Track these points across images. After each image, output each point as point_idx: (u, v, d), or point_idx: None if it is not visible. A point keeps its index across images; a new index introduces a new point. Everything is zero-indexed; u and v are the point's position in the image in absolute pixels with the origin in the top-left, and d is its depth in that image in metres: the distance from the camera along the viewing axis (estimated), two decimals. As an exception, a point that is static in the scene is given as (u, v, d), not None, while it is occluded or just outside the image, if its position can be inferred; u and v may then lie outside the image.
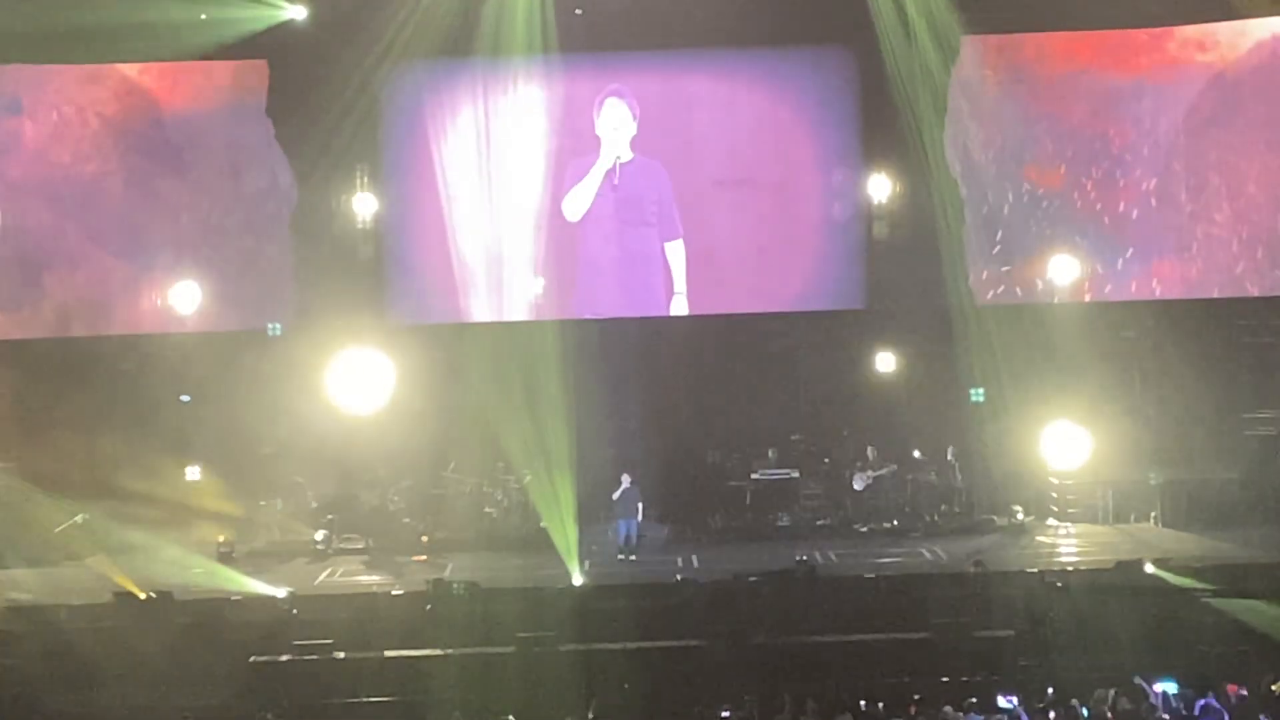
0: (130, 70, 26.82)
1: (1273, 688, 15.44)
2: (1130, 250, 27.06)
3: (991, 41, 26.91)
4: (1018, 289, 27.22)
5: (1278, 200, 26.55)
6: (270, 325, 26.79)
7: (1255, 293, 26.65)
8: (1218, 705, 14.45)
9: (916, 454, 26.04)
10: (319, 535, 25.12)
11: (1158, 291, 26.95)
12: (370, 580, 23.25)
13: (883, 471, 25.81)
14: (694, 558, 24.10)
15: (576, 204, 27.17)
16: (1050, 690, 16.33)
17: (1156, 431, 25.65)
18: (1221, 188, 26.76)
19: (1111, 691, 15.79)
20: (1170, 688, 15.66)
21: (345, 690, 19.47)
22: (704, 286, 27.25)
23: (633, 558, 23.96)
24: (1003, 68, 27.06)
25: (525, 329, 26.69)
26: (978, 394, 26.06)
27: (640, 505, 24.34)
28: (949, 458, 26.20)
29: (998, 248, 27.21)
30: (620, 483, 24.44)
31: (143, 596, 21.29)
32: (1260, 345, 26.04)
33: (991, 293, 27.21)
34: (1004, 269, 27.18)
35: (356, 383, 24.99)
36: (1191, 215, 26.89)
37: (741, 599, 21.09)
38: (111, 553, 23.51)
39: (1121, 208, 27.06)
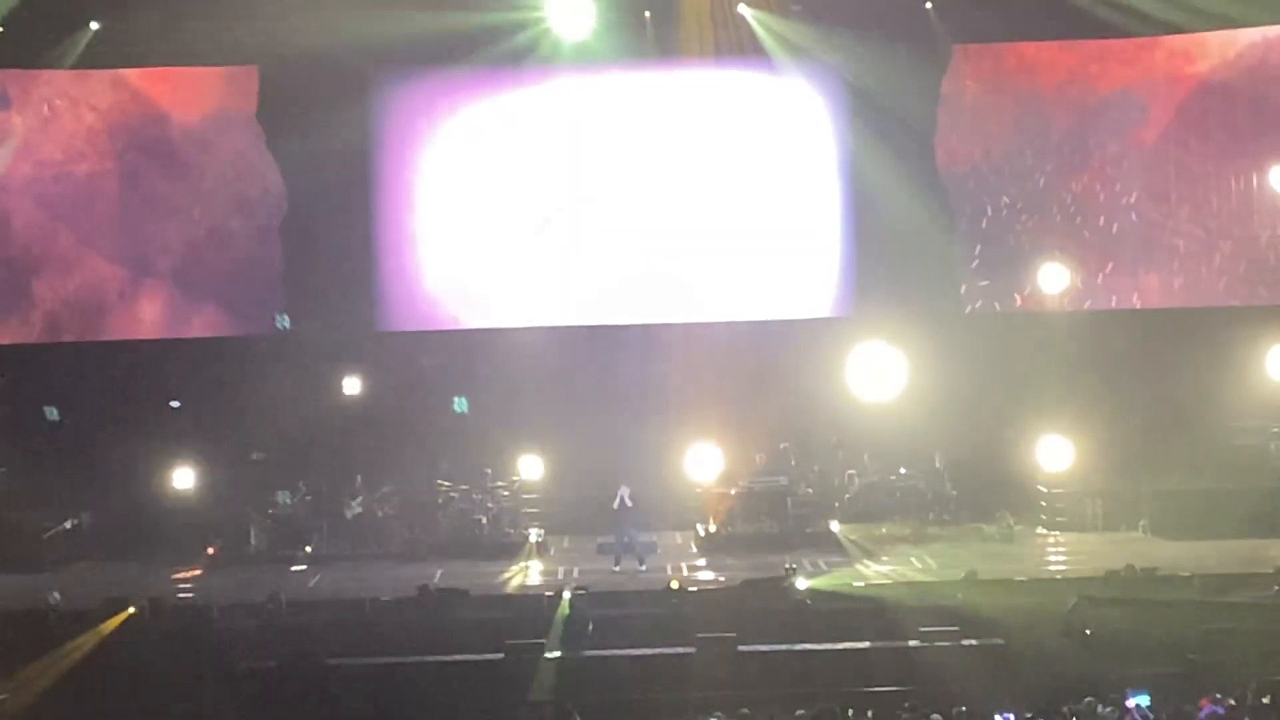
0: (123, 70, 26.61)
1: (1263, 700, 15.48)
2: (1111, 265, 27.11)
3: (976, 51, 26.98)
4: (996, 303, 27.31)
5: (1260, 213, 26.59)
6: (279, 317, 26.60)
7: (1238, 304, 26.68)
8: (1221, 711, 14.53)
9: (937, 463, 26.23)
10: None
11: (1139, 306, 27.02)
12: (358, 587, 23.20)
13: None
14: (682, 565, 24.15)
15: (565, 210, 27.19)
16: (1041, 698, 16.36)
17: (1144, 440, 25.69)
18: (1204, 200, 26.78)
19: (1099, 702, 15.83)
20: (1143, 700, 15.80)
21: (333, 697, 19.44)
22: (694, 294, 27.29)
23: (641, 567, 23.91)
24: (986, 78, 27.12)
25: (515, 336, 26.74)
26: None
27: (638, 515, 24.37)
28: (937, 465, 26.31)
29: (976, 262, 27.28)
30: (619, 493, 24.44)
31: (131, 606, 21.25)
32: (1245, 355, 26.06)
33: (970, 307, 27.30)
34: (983, 283, 27.25)
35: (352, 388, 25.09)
36: (1173, 229, 26.93)
37: (730, 606, 21.11)
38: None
39: (1102, 221, 27.10)
